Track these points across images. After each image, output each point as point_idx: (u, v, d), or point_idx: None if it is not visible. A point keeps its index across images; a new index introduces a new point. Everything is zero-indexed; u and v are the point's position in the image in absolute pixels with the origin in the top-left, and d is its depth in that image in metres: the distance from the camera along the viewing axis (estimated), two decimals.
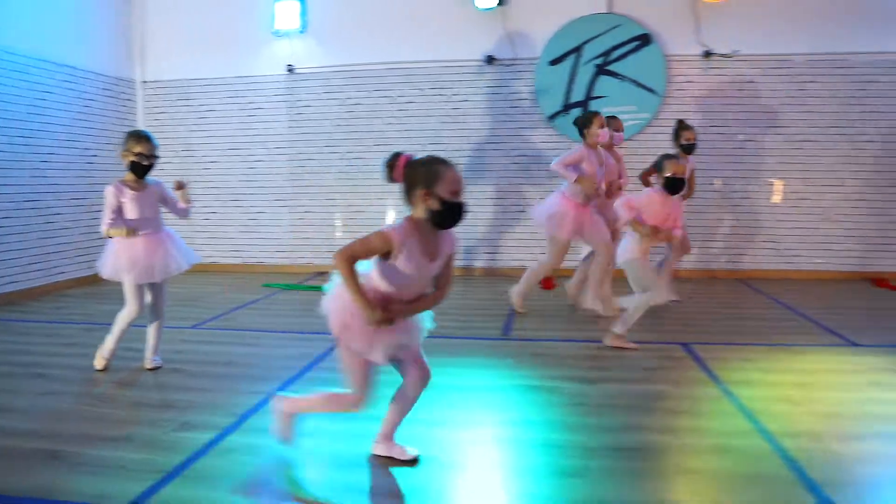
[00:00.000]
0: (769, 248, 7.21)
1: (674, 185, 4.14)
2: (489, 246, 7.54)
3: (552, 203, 5.18)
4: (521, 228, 7.40)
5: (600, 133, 5.01)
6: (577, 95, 7.09)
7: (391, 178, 2.46)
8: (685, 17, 6.95)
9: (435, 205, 2.33)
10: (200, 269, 7.74)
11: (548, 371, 3.93)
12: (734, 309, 5.74)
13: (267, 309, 5.88)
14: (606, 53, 7.01)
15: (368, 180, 7.57)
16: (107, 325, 4.06)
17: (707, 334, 4.78)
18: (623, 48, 6.98)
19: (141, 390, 3.67)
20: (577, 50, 7.03)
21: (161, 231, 3.99)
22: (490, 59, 7.23)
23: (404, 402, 2.70)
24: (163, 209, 4.02)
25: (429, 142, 7.42)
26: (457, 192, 2.35)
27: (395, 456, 2.73)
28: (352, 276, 2.35)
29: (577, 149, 5.05)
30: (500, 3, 7.01)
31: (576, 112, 7.04)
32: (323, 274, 7.63)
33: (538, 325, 5.10)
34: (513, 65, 7.23)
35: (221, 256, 8.10)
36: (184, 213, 4.08)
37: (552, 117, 7.16)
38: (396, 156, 2.46)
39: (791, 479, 2.53)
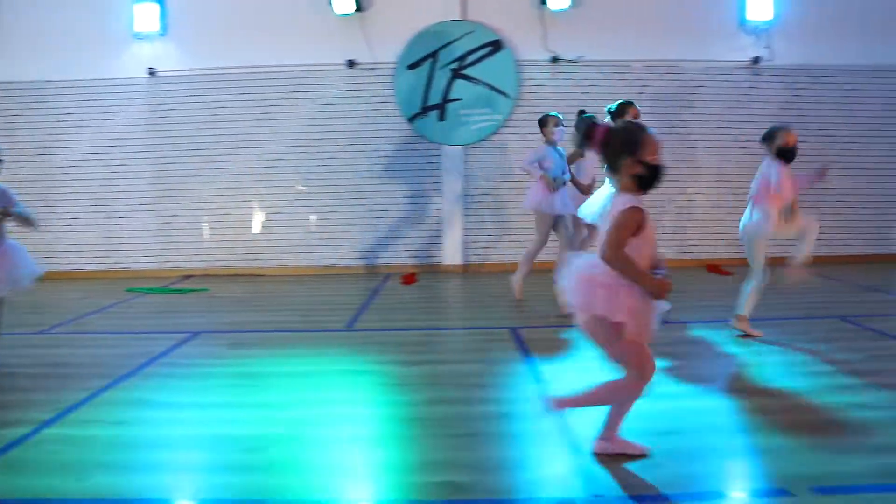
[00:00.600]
0: None
1: (788, 154, 4.21)
2: (350, 243, 7.73)
3: (534, 190, 5.44)
4: (384, 226, 7.67)
5: (555, 132, 5.37)
6: (435, 98, 7.44)
7: (588, 147, 2.53)
8: (533, 24, 7.45)
9: (641, 170, 2.40)
10: (63, 277, 7.58)
11: (383, 357, 4.20)
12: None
13: (124, 313, 5.87)
14: (461, 58, 7.40)
15: (236, 183, 7.64)
16: None
17: (536, 318, 5.20)
18: (476, 53, 7.40)
19: None
20: (433, 55, 7.39)
21: (3, 243, 3.89)
22: (351, 63, 7.47)
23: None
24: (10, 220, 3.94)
25: (295, 144, 7.58)
26: (657, 155, 2.43)
27: (627, 451, 2.60)
28: (631, 263, 2.34)
29: (539, 147, 5.46)
30: (358, 9, 7.26)
31: (434, 114, 7.40)
32: (190, 277, 7.64)
33: (384, 318, 5.38)
34: (373, 69, 7.50)
35: (85, 263, 7.92)
36: (30, 224, 4.03)
37: (411, 119, 7.48)
38: (593, 126, 2.48)
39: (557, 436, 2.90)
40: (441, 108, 7.43)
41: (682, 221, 7.79)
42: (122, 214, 7.84)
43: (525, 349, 4.29)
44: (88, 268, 7.91)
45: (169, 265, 7.86)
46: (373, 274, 7.50)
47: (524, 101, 7.52)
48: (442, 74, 7.42)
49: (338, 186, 7.61)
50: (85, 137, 7.76)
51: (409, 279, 6.99)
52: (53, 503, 2.38)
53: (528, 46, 7.49)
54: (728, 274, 7.16)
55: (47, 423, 3.13)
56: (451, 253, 7.65)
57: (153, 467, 2.68)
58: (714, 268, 7.49)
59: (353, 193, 7.65)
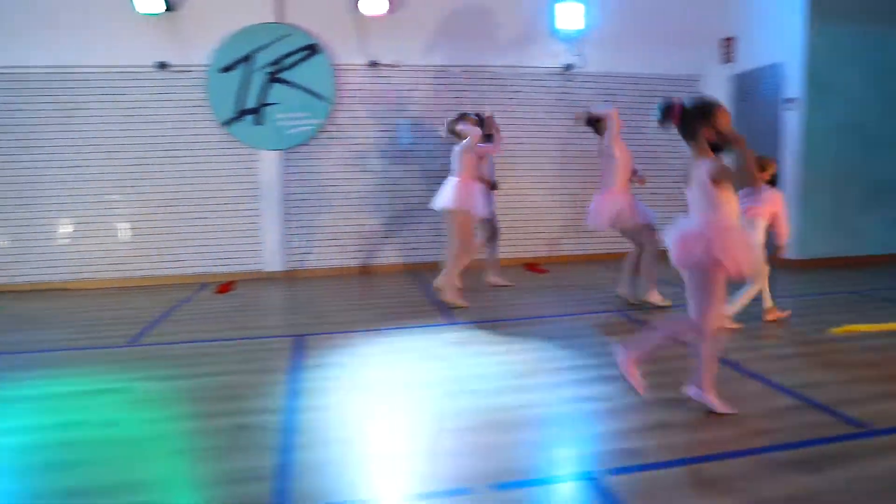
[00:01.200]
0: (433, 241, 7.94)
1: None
2: (165, 253, 7.40)
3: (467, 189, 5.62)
4: (201, 234, 7.41)
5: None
6: (251, 102, 7.28)
7: (668, 123, 2.97)
8: (349, 28, 7.46)
9: (715, 136, 2.88)
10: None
11: (147, 373, 4.03)
12: (360, 300, 6.33)
13: None
14: (277, 62, 7.29)
15: (37, 191, 7.12)
16: None
17: (324, 324, 5.18)
18: (293, 57, 7.31)
19: None
20: (247, 58, 7.23)
21: None
22: (162, 65, 7.17)
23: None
24: None
25: (107, 148, 7.17)
26: (728, 123, 2.90)
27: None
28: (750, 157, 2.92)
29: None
30: (168, 9, 6.98)
31: (250, 118, 7.25)
32: None
33: (178, 330, 5.19)
34: (185, 71, 7.24)
35: None
36: None
37: (227, 123, 7.28)
38: (671, 106, 2.96)
39: (268, 447, 2.89)
40: (257, 112, 7.28)
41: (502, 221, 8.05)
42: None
43: (297, 357, 4.26)
44: None
45: None
46: (187, 284, 7.24)
47: (342, 105, 7.52)
48: (257, 77, 7.27)
49: (151, 194, 7.28)
50: None
51: (224, 288, 6.80)
52: None
53: (344, 50, 7.48)
54: (545, 272, 7.49)
55: None
56: (270, 259, 7.53)
57: None
58: (532, 266, 7.81)
59: (167, 201, 7.34)
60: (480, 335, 4.70)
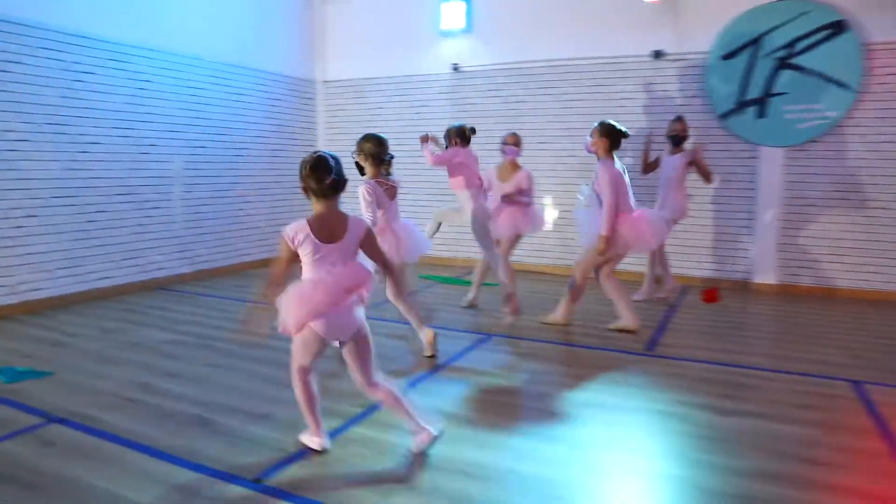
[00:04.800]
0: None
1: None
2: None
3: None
4: (681, 230, 6.97)
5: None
6: (754, 92, 6.52)
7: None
8: None
9: None
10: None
11: (682, 396, 3.70)
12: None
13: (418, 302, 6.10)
14: (790, 44, 6.35)
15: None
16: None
17: (881, 371, 4.18)
18: (811, 38, 6.28)
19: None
20: (755, 42, 6.46)
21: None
22: (657, 55, 6.88)
23: None
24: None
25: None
26: None
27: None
28: None
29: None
30: None
31: (751, 110, 6.51)
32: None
33: (684, 342, 4.82)
34: (681, 60, 6.82)
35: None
36: None
37: (724, 116, 6.66)
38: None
39: None
40: (761, 102, 6.49)
41: None
42: (423, 203, 8.29)
43: (878, 417, 3.44)
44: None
45: (461, 254, 8.13)
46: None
47: (871, 94, 6.22)
48: (764, 64, 6.46)
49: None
50: (395, 130, 8.32)
51: (711, 296, 6.21)
52: None
53: (881, 26, 6.14)
54: None
55: (355, 420, 3.25)
56: (760, 269, 6.67)
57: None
58: None
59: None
60: None
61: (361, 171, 4.16)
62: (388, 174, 4.21)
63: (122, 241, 6.27)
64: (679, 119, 5.98)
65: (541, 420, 3.32)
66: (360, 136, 4.16)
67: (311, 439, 2.94)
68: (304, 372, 2.80)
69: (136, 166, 6.33)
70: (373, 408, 3.39)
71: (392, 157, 4.19)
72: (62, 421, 3.22)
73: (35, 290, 5.56)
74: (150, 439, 3.01)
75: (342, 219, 2.68)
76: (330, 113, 8.77)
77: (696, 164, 5.91)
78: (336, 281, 2.59)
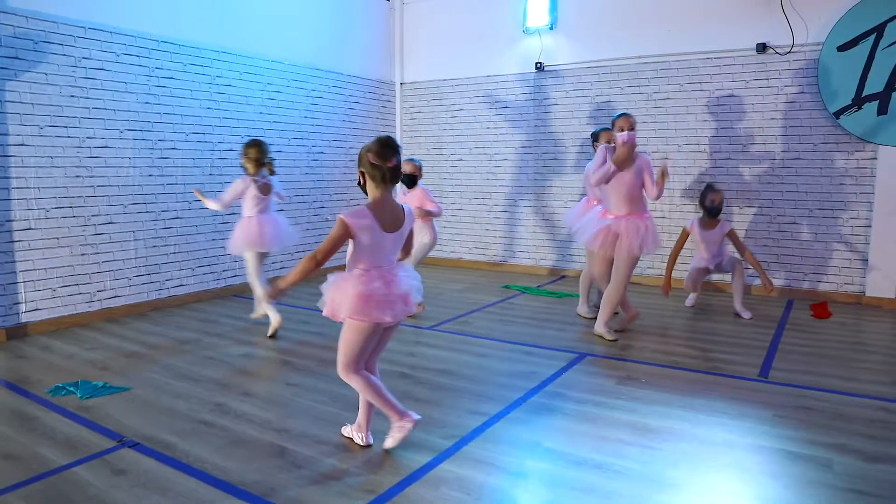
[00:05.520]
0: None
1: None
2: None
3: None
4: (788, 238, 6.35)
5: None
6: (874, 86, 5.83)
7: None
8: None
9: None
10: (445, 264, 8.03)
11: (816, 435, 3.19)
12: None
13: (502, 315, 5.76)
14: None
15: None
16: None
17: None
18: None
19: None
20: (876, 30, 5.78)
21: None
22: (762, 48, 6.28)
23: None
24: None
25: (685, 140, 6.73)
26: None
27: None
28: None
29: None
30: None
31: (870, 106, 5.83)
32: (562, 278, 7.38)
33: (803, 367, 4.27)
34: (790, 52, 6.19)
35: (466, 253, 8.25)
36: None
37: (837, 114, 6.00)
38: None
39: None
40: (885, 97, 5.81)
41: None
42: (502, 208, 7.94)
43: None
44: (468, 258, 8.23)
45: (544, 262, 7.73)
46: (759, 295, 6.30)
47: None
48: (887, 56, 5.77)
49: (740, 190, 6.54)
50: (473, 132, 8.02)
51: (822, 312, 5.62)
52: None
53: None
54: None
55: (445, 455, 2.92)
56: (877, 282, 5.95)
57: None
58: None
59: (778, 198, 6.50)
60: None
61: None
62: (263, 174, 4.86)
63: (197, 248, 6.18)
64: (715, 189, 5.61)
65: (651, 462, 2.88)
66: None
67: (355, 434, 2.93)
68: (360, 364, 2.79)
69: (213, 171, 6.24)
70: (463, 440, 3.05)
71: (272, 160, 4.93)
72: (135, 446, 3.03)
73: (113, 297, 5.51)
74: (223, 472, 2.76)
75: (399, 207, 2.74)
76: (408, 115, 8.53)
77: (731, 237, 5.65)
78: (396, 291, 2.74)
